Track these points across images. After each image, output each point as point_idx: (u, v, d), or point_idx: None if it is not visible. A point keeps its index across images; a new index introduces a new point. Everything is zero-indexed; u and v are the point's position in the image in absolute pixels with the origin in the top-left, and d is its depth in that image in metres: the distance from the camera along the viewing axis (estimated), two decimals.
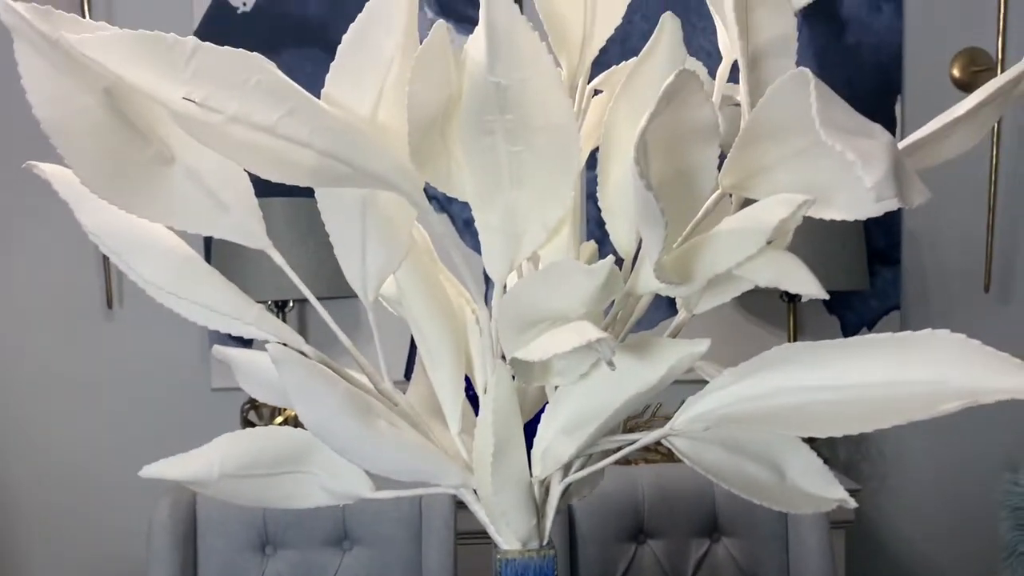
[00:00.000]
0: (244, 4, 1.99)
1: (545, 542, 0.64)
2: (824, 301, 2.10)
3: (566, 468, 0.64)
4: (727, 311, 2.01)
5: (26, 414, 2.01)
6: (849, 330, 2.04)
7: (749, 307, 1.99)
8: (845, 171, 0.44)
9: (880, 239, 2.05)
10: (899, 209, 2.24)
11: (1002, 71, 2.04)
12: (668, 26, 0.52)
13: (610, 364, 0.49)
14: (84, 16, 1.89)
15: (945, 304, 2.12)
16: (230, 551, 1.20)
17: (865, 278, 1.85)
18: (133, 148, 0.57)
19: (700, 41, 1.77)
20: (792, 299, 1.87)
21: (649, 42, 0.54)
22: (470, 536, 1.36)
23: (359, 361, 0.66)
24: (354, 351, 0.65)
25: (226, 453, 0.64)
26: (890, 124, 2.06)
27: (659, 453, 1.86)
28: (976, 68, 2.09)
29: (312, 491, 0.66)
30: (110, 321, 2.00)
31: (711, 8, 0.60)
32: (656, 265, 0.47)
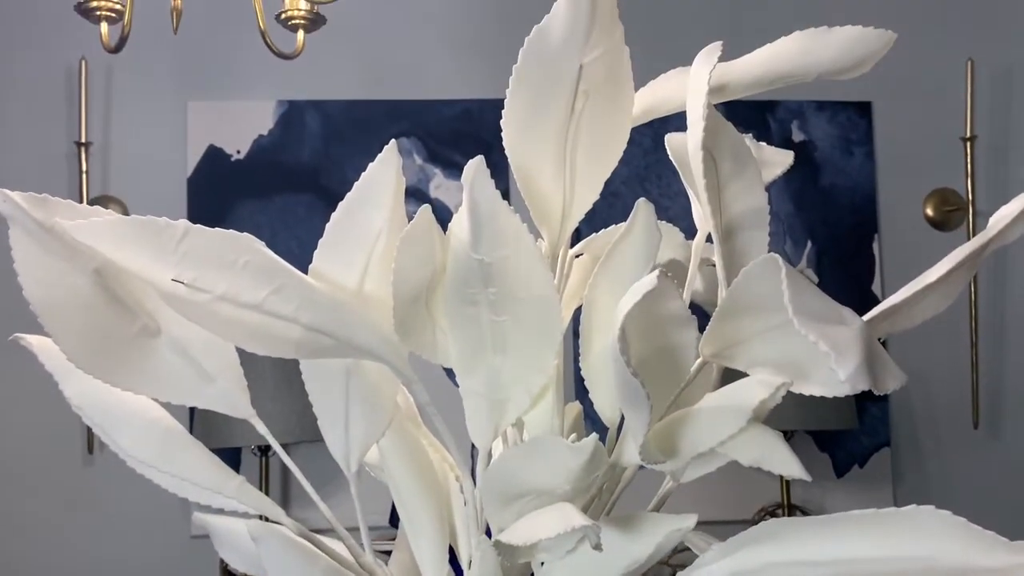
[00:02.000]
0: (238, 152, 2.06)
1: None
2: (814, 439, 2.10)
3: None
4: None
5: (2, 560, 1.94)
6: (840, 468, 2.02)
7: None
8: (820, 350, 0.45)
9: None
10: (885, 347, 2.26)
11: (973, 211, 2.11)
12: (642, 211, 0.54)
13: (596, 548, 0.48)
14: (81, 168, 1.95)
15: (935, 441, 2.11)
16: None
17: (854, 417, 1.85)
18: (120, 323, 0.58)
19: (678, 186, 1.83)
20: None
21: (626, 225, 0.56)
22: None
23: (339, 532, 0.64)
24: (335, 523, 0.64)
25: None
26: (869, 262, 2.11)
27: None
28: (948, 208, 2.17)
29: None
30: (89, 467, 1.97)
31: (685, 184, 0.63)
32: (641, 447, 0.47)
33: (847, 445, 2.02)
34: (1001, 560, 0.46)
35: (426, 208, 0.55)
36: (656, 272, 0.44)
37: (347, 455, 0.62)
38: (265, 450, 1.80)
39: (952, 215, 2.15)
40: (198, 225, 0.53)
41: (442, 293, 0.59)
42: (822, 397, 1.67)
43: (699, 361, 0.58)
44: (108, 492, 1.95)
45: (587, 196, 0.61)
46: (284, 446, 1.96)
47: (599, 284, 0.58)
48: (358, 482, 0.64)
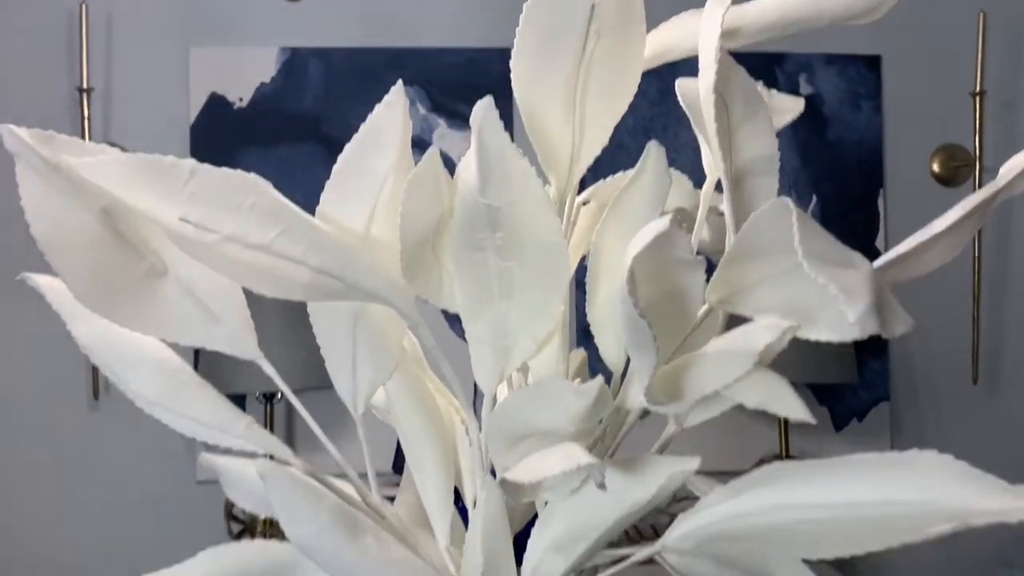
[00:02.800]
0: (240, 100, 2.04)
1: None
2: (814, 392, 2.11)
3: None
4: None
5: (6, 505, 1.97)
6: (839, 421, 2.04)
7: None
8: (829, 295, 0.45)
9: None
10: None
11: (980, 167, 2.10)
12: (653, 155, 0.54)
13: (601, 486, 0.49)
14: (83, 114, 1.94)
15: (933, 396, 2.13)
16: None
17: (854, 371, 1.86)
18: (127, 263, 0.58)
19: (686, 137, 1.82)
20: None
21: (635, 169, 0.56)
22: None
23: (347, 472, 0.65)
24: (342, 461, 0.65)
25: (208, 571, 0.63)
26: (874, 218, 2.11)
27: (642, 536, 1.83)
28: (955, 164, 2.15)
29: None
30: (95, 412, 1.98)
31: (694, 128, 0.62)
32: (646, 389, 0.48)
33: (846, 399, 2.04)
34: (1001, 503, 0.47)
35: (434, 151, 0.54)
36: (667, 216, 0.44)
37: (354, 397, 0.63)
38: (270, 397, 1.81)
39: (959, 171, 2.14)
40: (205, 165, 0.53)
41: (449, 238, 0.59)
42: (823, 350, 1.68)
43: (705, 308, 0.58)
44: (114, 437, 1.97)
45: (596, 140, 0.61)
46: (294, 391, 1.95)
47: (607, 228, 0.57)
48: (365, 424, 0.64)
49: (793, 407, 0.46)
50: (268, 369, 0.64)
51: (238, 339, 0.63)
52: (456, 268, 0.59)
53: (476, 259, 0.57)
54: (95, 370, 1.94)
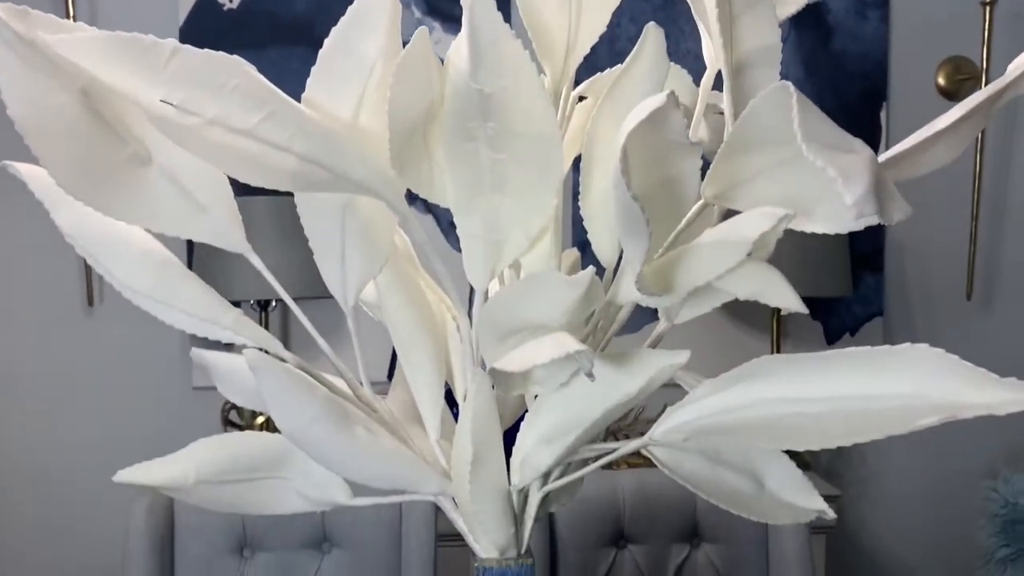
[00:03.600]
0: (230, 1, 1.98)
1: (523, 550, 0.64)
2: (807, 306, 2.11)
3: (545, 477, 0.64)
4: (710, 317, 2.01)
5: (1, 412, 1.99)
6: (832, 336, 2.05)
7: (732, 312, 2.00)
8: (826, 184, 0.44)
9: (864, 246, 2.06)
10: None
11: (986, 80, 2.05)
12: (651, 36, 0.52)
13: (589, 375, 0.49)
14: (68, 12, 1.88)
15: (927, 311, 2.13)
16: (208, 554, 1.19)
17: (848, 285, 1.86)
18: (109, 148, 0.56)
19: (688, 44, 1.77)
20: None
21: (633, 52, 0.54)
22: (451, 538, 1.35)
23: (338, 366, 0.65)
24: (333, 356, 0.65)
25: (202, 459, 0.63)
26: (875, 131, 2.07)
27: (641, 458, 1.86)
28: (961, 76, 2.11)
29: (289, 497, 0.66)
30: (89, 319, 1.98)
31: (696, 18, 0.60)
32: (638, 277, 0.47)
33: (840, 313, 2.04)
34: (992, 396, 0.47)
35: (422, 31, 0.52)
36: (664, 93, 0.42)
37: (344, 290, 0.62)
38: (264, 305, 1.81)
39: (964, 85, 2.09)
40: (187, 45, 0.51)
41: (439, 127, 0.57)
42: (818, 264, 1.67)
43: (700, 204, 0.57)
44: (109, 344, 1.98)
45: (593, 28, 0.59)
46: (282, 301, 1.96)
47: (602, 117, 0.56)
48: (355, 318, 0.64)
49: (786, 297, 0.46)
50: (257, 263, 0.63)
51: (225, 231, 0.61)
52: (447, 160, 0.58)
53: (467, 150, 0.56)
54: (89, 276, 1.94)
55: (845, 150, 0.41)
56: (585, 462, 0.64)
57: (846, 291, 1.87)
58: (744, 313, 1.97)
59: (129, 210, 0.58)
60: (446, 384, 0.66)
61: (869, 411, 0.51)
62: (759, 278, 0.47)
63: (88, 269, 1.95)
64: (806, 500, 0.65)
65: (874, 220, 0.41)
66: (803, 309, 0.46)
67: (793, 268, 1.80)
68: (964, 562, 1.92)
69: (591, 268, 0.50)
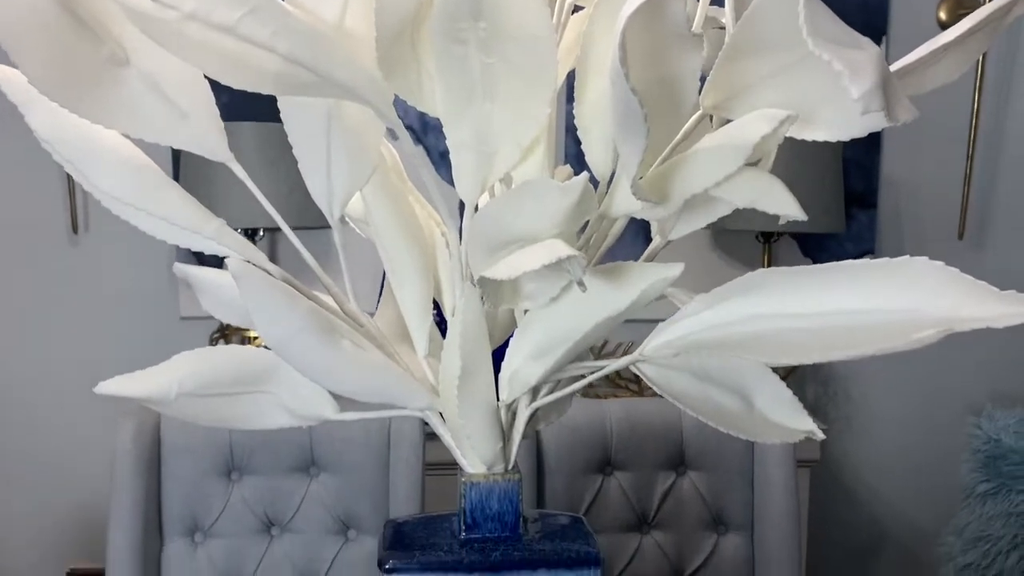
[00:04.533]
0: None
1: (510, 466, 0.63)
2: (799, 243, 2.11)
3: (533, 393, 0.63)
4: (703, 251, 2.00)
5: None
6: None
7: (724, 248, 1.99)
8: (831, 88, 0.42)
9: (857, 183, 2.05)
10: (878, 153, 2.22)
11: None
12: None
13: (580, 284, 0.48)
14: None
15: (919, 249, 2.11)
16: (195, 476, 1.19)
17: (841, 220, 1.85)
18: (85, 48, 0.54)
19: None
20: (767, 240, 1.87)
21: None
22: (438, 467, 1.36)
23: (324, 281, 0.64)
24: (319, 271, 0.63)
25: (185, 371, 0.62)
26: None
27: (629, 390, 1.87)
28: (963, 11, 2.07)
29: (274, 412, 0.65)
30: (75, 247, 1.96)
31: None
32: (633, 181, 0.45)
33: (831, 249, 2.04)
34: (991, 310, 0.46)
35: None
36: None
37: (330, 201, 0.61)
38: (251, 235, 1.79)
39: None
40: None
41: (428, 30, 0.55)
42: (811, 199, 1.65)
43: (698, 114, 0.55)
44: (94, 273, 1.96)
45: None
46: (269, 231, 1.93)
47: (597, 22, 0.54)
48: (342, 230, 0.62)
49: (785, 203, 0.45)
50: (239, 172, 0.61)
51: (207, 138, 0.59)
52: (436, 64, 0.55)
53: (457, 54, 0.54)
54: (73, 203, 1.91)
55: (852, 46, 0.40)
56: (574, 379, 0.63)
57: (839, 228, 1.86)
58: (736, 249, 1.96)
59: (106, 113, 0.56)
60: (435, 303, 0.65)
61: (865, 325, 0.50)
62: (758, 185, 0.46)
63: (73, 195, 1.91)
64: (795, 420, 0.64)
65: (879, 121, 0.40)
66: (802, 215, 0.45)
67: None
68: (945, 497, 1.95)
69: (585, 174, 0.48)
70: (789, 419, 0.64)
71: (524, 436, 0.65)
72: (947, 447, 1.93)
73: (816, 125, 0.47)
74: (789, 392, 0.64)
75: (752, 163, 0.49)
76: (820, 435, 0.64)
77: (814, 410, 2.08)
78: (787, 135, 0.49)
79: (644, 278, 0.53)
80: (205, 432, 1.19)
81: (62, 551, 1.99)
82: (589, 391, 1.83)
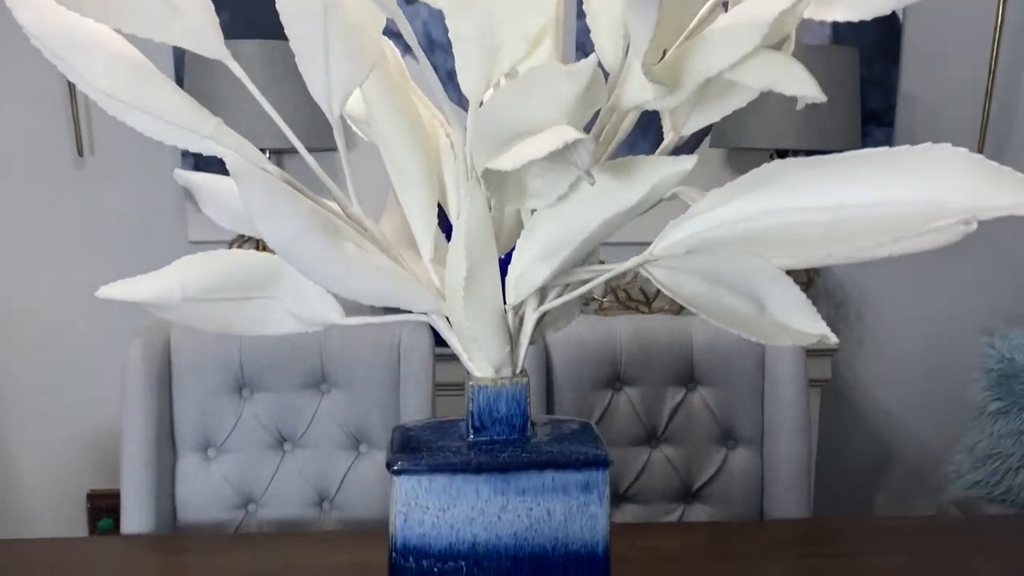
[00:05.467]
0: None
1: (518, 370, 0.63)
2: None
3: (541, 297, 0.62)
4: (716, 171, 1.97)
5: None
6: None
7: (737, 167, 1.96)
8: None
9: (875, 100, 2.00)
10: (896, 69, 2.14)
11: None
12: None
13: (588, 175, 0.46)
14: None
15: None
16: (206, 393, 1.20)
17: (858, 138, 1.81)
18: None
19: None
20: (781, 158, 1.83)
21: None
22: (448, 388, 1.37)
23: (327, 184, 0.62)
24: (321, 173, 0.62)
25: (188, 275, 0.62)
26: None
27: (639, 312, 1.87)
28: None
29: (280, 318, 0.64)
30: (81, 170, 1.94)
31: None
32: (644, 63, 0.43)
33: None
34: (1015, 197, 0.44)
35: None
36: None
37: (329, 98, 0.59)
38: None
39: None
40: None
41: None
42: (827, 117, 1.60)
43: (711, 2, 0.52)
44: (101, 196, 1.95)
45: None
46: (274, 153, 1.88)
47: None
48: (342, 129, 0.61)
49: (804, 83, 0.43)
50: (236, 70, 0.59)
51: (202, 34, 0.57)
52: None
53: None
54: (78, 126, 1.88)
55: None
56: (583, 284, 0.62)
57: (854, 144, 1.82)
58: (747, 167, 1.93)
59: (96, 5, 0.54)
60: (440, 208, 0.64)
61: (885, 217, 0.48)
62: (775, 66, 0.44)
63: (77, 117, 1.89)
64: (808, 324, 0.63)
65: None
66: (821, 97, 0.43)
67: (802, 123, 1.74)
68: (954, 418, 1.95)
69: (593, 56, 0.46)
70: (802, 323, 0.63)
71: (532, 341, 0.64)
72: (958, 368, 1.93)
73: (836, 4, 0.44)
74: (802, 295, 0.62)
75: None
76: (833, 338, 0.63)
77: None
78: (805, 16, 0.46)
79: (655, 172, 0.52)
80: (215, 349, 1.19)
81: (81, 474, 2.02)
82: (599, 312, 1.82)
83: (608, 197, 0.53)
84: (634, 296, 1.93)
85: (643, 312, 1.81)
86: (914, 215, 0.47)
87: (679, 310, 1.87)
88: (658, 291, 1.93)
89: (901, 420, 2.19)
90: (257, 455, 1.21)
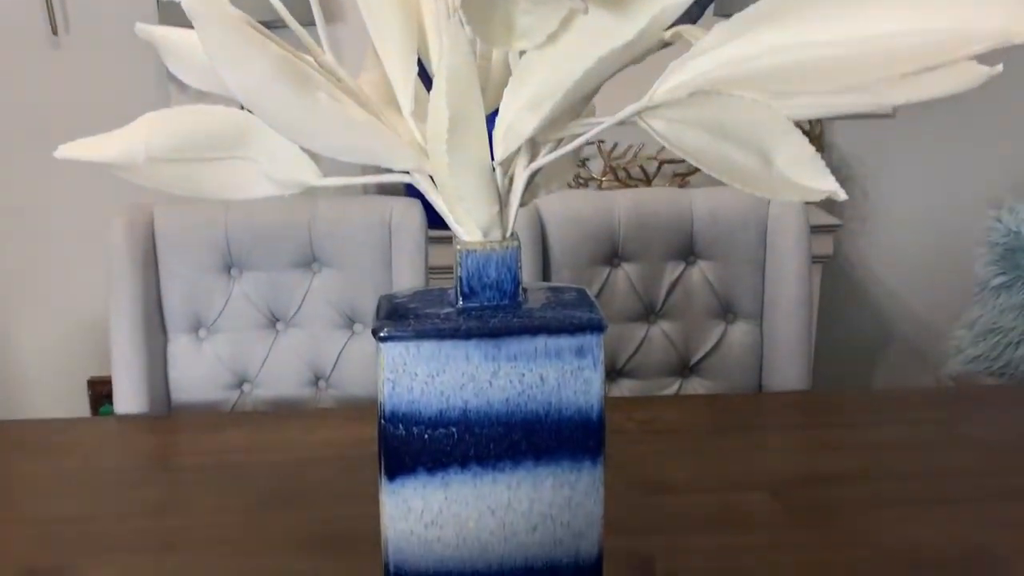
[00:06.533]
0: None
1: (508, 233, 0.59)
2: None
3: (532, 153, 0.58)
4: None
5: None
6: None
7: None
8: None
9: None
10: None
11: None
12: None
13: (581, 1, 0.41)
14: None
15: None
16: (193, 273, 1.17)
17: None
18: None
19: None
20: None
21: None
22: (443, 271, 1.34)
23: (297, 30, 0.57)
24: (290, 20, 0.57)
25: (153, 132, 0.58)
26: None
27: (639, 181, 1.82)
28: None
29: (254, 180, 0.61)
30: (56, 49, 1.86)
31: None
32: None
33: None
34: None
35: None
36: None
37: None
38: None
39: None
40: None
41: None
42: None
43: None
44: (78, 75, 1.87)
45: None
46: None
47: None
48: None
49: None
50: None
51: None
52: None
53: None
54: (50, 4, 1.79)
55: None
56: (574, 137, 0.58)
57: None
58: None
59: None
60: (421, 66, 0.59)
61: (906, 47, 0.44)
62: None
63: None
64: (816, 179, 0.59)
65: None
66: None
67: None
68: (955, 296, 1.94)
69: None
70: (810, 178, 0.59)
71: (523, 203, 0.61)
72: (961, 246, 1.90)
73: None
74: (811, 149, 0.58)
75: None
76: (842, 195, 0.59)
77: (829, 208, 2.04)
78: None
79: (654, 3, 0.47)
80: (200, 228, 1.16)
81: (81, 362, 2.03)
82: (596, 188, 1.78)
83: (603, 33, 0.48)
84: (634, 175, 1.88)
85: (644, 182, 1.77)
86: (940, 42, 0.43)
87: (680, 186, 1.83)
88: (659, 168, 1.88)
89: (902, 297, 2.17)
90: (249, 335, 1.20)
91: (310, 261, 1.20)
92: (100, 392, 2.04)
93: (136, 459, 1.02)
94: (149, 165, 0.58)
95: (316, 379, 1.22)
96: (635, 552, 0.78)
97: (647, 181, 1.87)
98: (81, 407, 2.04)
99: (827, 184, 0.60)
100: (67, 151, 0.57)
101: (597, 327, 0.58)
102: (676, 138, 0.58)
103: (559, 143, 0.59)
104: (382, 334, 0.57)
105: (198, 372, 1.19)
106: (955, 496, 0.88)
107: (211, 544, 0.81)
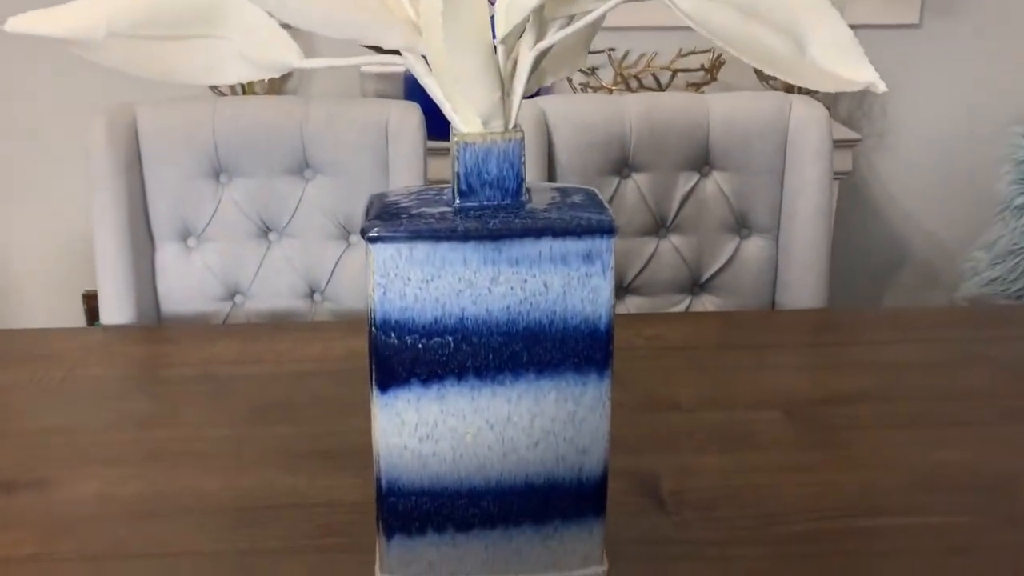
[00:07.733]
0: None
1: (511, 124, 0.54)
2: None
3: (539, 33, 0.52)
4: None
5: None
6: None
7: None
8: None
9: None
10: None
11: None
12: None
13: None
14: None
15: None
16: (180, 179, 1.12)
17: None
18: None
19: None
20: None
21: None
22: (444, 185, 1.28)
23: None
24: None
25: (115, 4, 0.51)
26: None
27: (650, 89, 1.75)
28: None
29: (231, 62, 0.55)
30: None
31: None
32: None
33: None
34: None
35: None
36: None
37: None
38: None
39: None
40: None
41: None
42: None
43: None
44: None
45: None
46: None
47: None
48: None
49: None
50: None
51: None
52: None
53: None
54: None
55: None
56: (587, 15, 0.52)
57: None
58: None
59: None
60: None
61: None
62: None
63: None
64: (854, 69, 0.53)
65: None
66: None
67: None
68: (976, 216, 1.88)
69: None
70: (847, 67, 0.53)
71: (527, 92, 0.55)
72: (984, 163, 1.83)
73: None
74: (850, 34, 0.52)
75: None
76: (882, 87, 0.53)
77: (848, 125, 1.96)
78: None
79: None
80: (186, 129, 1.10)
81: (76, 277, 1.99)
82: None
83: None
84: (646, 84, 1.80)
85: (654, 87, 1.69)
86: None
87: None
88: (672, 78, 1.79)
89: (919, 217, 2.11)
90: (240, 244, 1.15)
91: (302, 167, 1.14)
92: (95, 307, 2.00)
93: (123, 370, 0.99)
94: (111, 42, 0.52)
95: (311, 292, 1.18)
96: (640, 471, 0.75)
97: (660, 90, 1.79)
98: (77, 322, 2.01)
99: (866, 74, 0.53)
100: (18, 24, 0.51)
101: (607, 230, 0.53)
102: (703, 17, 0.52)
103: (570, 20, 0.53)
104: (372, 234, 0.52)
105: (188, 282, 1.14)
106: (971, 418, 0.85)
107: (198, 458, 0.78)
